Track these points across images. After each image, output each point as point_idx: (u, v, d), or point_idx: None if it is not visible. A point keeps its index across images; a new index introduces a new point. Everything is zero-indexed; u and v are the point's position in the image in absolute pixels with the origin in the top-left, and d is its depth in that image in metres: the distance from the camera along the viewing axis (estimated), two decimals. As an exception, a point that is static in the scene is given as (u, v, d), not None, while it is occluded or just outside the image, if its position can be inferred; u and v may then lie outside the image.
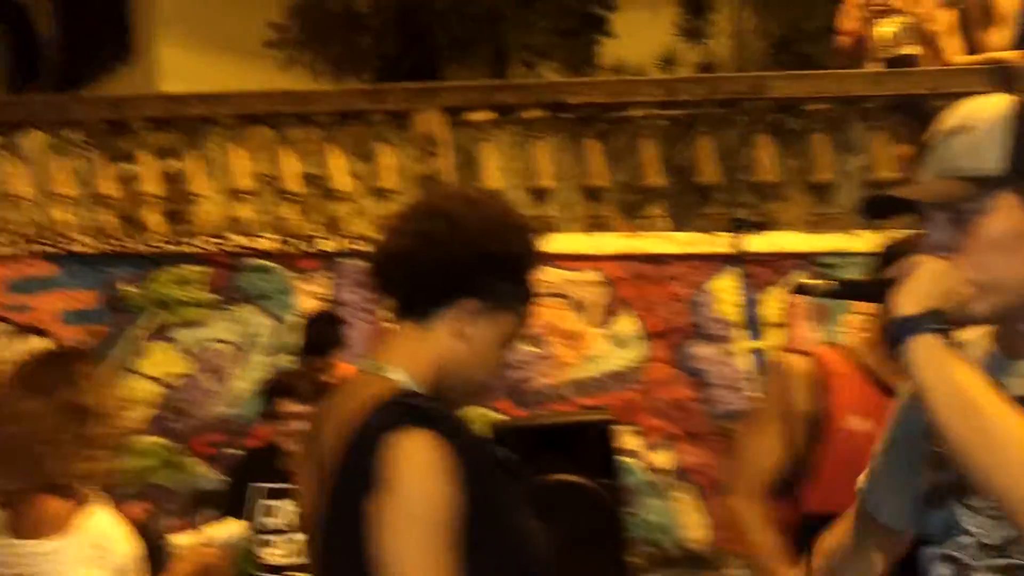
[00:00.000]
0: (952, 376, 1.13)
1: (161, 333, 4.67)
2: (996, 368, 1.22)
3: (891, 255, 1.89)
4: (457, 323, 1.47)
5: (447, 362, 1.47)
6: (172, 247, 4.72)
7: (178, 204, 5.35)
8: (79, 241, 4.76)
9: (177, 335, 4.65)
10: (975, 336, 1.28)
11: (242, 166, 5.05)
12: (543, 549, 1.46)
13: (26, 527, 2.20)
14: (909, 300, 1.16)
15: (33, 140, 5.48)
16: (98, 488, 2.27)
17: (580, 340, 4.57)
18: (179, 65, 8.99)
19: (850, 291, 1.29)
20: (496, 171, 5.03)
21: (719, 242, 4.54)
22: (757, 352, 4.50)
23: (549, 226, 4.82)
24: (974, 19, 4.94)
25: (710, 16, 9.25)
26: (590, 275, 4.61)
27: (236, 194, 5.05)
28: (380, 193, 5.02)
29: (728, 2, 9.50)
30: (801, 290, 1.25)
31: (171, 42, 9.31)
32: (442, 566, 1.34)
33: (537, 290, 1.52)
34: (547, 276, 4.62)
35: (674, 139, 5.87)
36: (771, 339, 4.50)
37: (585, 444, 3.30)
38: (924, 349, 1.15)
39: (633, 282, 4.58)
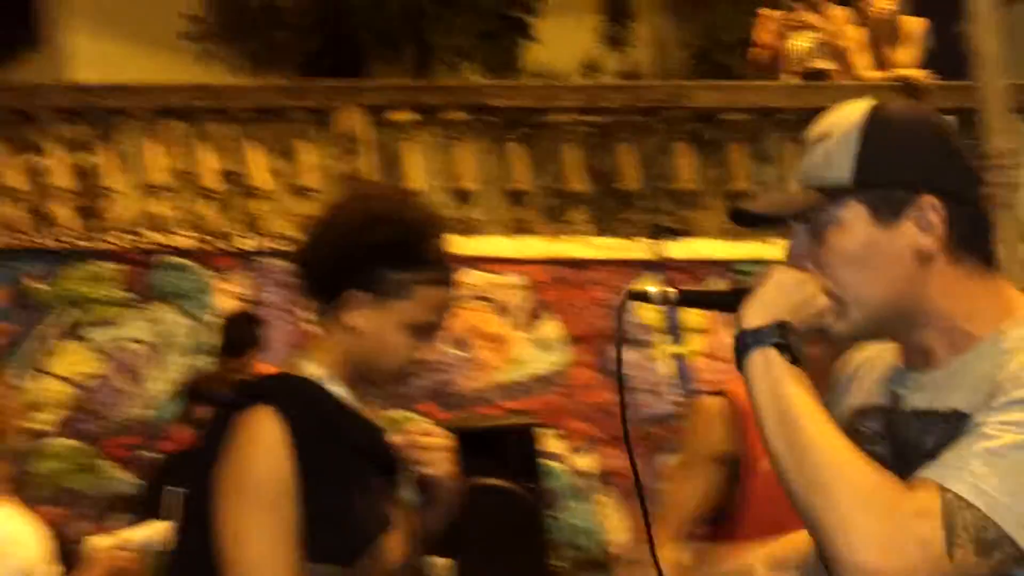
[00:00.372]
0: (783, 394, 1.08)
1: (72, 332, 4.51)
2: (897, 381, 1.20)
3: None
4: (347, 315, 1.54)
5: (351, 354, 1.55)
6: (84, 243, 4.57)
7: (90, 199, 5.18)
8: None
9: (89, 334, 4.50)
10: (880, 349, 1.26)
11: (157, 161, 4.92)
12: (368, 529, 1.52)
13: None
14: (755, 311, 1.12)
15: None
16: (3, 490, 2.22)
17: (504, 343, 4.58)
18: (89, 53, 8.70)
19: (692, 300, 1.23)
20: (419, 172, 5.00)
21: (640, 248, 4.61)
22: (678, 357, 4.57)
23: (472, 228, 4.82)
24: (882, 37, 5.12)
25: (631, 24, 9.35)
26: (513, 279, 4.62)
27: (151, 189, 4.92)
28: (300, 191, 4.95)
29: (649, 11, 9.63)
30: (636, 297, 1.17)
31: (80, 29, 9.00)
32: (271, 535, 1.43)
33: (442, 275, 1.56)
34: (470, 279, 4.62)
35: (595, 145, 5.93)
36: (692, 344, 4.58)
37: (509, 448, 3.31)
38: (761, 364, 1.10)
39: (556, 286, 4.62)
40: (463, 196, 4.92)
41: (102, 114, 4.97)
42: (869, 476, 1.02)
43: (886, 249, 1.14)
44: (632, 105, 4.96)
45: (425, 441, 1.60)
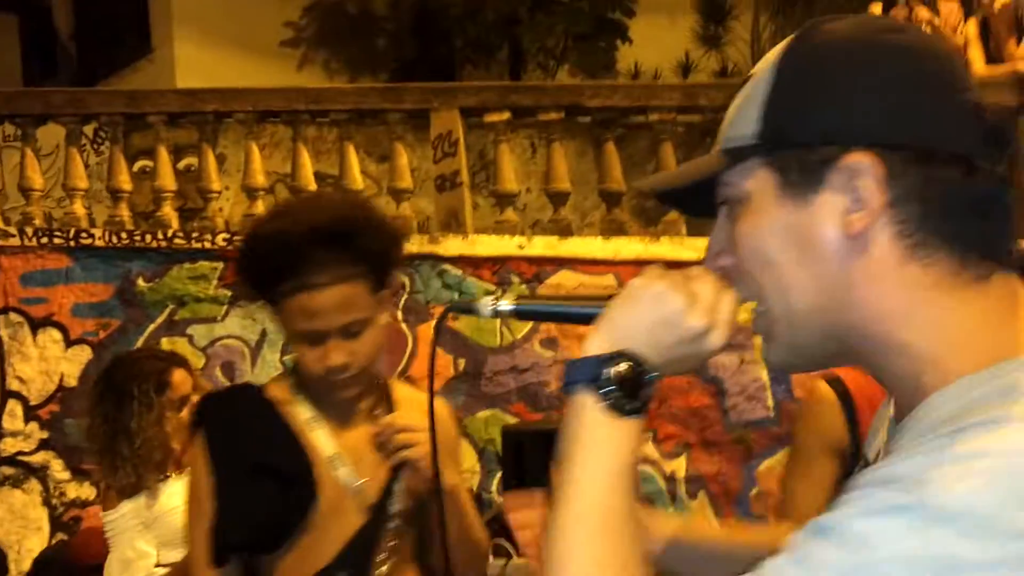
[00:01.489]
0: (581, 463, 0.79)
1: (176, 328, 4.64)
2: (892, 438, 0.80)
3: None
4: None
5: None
6: (187, 243, 4.70)
7: (194, 200, 5.34)
8: (94, 235, 4.74)
9: (191, 331, 4.63)
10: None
11: (257, 163, 5.03)
12: (233, 536, 1.64)
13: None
14: (597, 335, 0.82)
15: (50, 133, 5.48)
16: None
17: (595, 345, 4.53)
18: (195, 62, 9.00)
19: (528, 314, 0.96)
20: (512, 173, 5.00)
21: (737, 249, 4.50)
22: (774, 360, 4.45)
23: (566, 229, 4.79)
24: (1000, 30, 4.91)
25: (728, 23, 9.21)
26: (607, 280, 4.57)
27: (252, 191, 5.03)
28: (395, 193, 5.00)
29: (746, 9, 9.47)
30: (457, 309, 0.99)
31: (188, 39, 9.32)
32: (193, 524, 1.70)
33: (296, 284, 1.60)
34: (562, 279, 4.58)
35: (691, 145, 5.84)
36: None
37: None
38: (576, 412, 0.81)
39: (650, 287, 4.54)
40: (557, 197, 4.90)
41: (206, 118, 5.10)
42: None
43: (803, 233, 0.76)
44: (729, 103, 4.85)
45: (402, 424, 1.64)
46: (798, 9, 9.04)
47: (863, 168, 0.74)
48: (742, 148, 0.80)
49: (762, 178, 0.79)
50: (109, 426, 2.55)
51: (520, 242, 4.67)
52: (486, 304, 0.94)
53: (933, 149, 0.74)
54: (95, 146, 6.71)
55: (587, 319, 0.86)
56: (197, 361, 4.62)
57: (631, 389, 0.81)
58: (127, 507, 2.58)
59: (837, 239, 0.76)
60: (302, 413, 1.72)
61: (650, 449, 4.39)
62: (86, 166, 5.29)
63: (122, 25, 9.86)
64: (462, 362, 4.58)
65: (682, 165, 0.91)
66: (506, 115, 4.90)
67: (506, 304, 0.93)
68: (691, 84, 6.45)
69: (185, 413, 2.52)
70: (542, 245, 4.65)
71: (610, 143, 4.91)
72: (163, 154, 5.04)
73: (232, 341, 4.63)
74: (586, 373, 0.81)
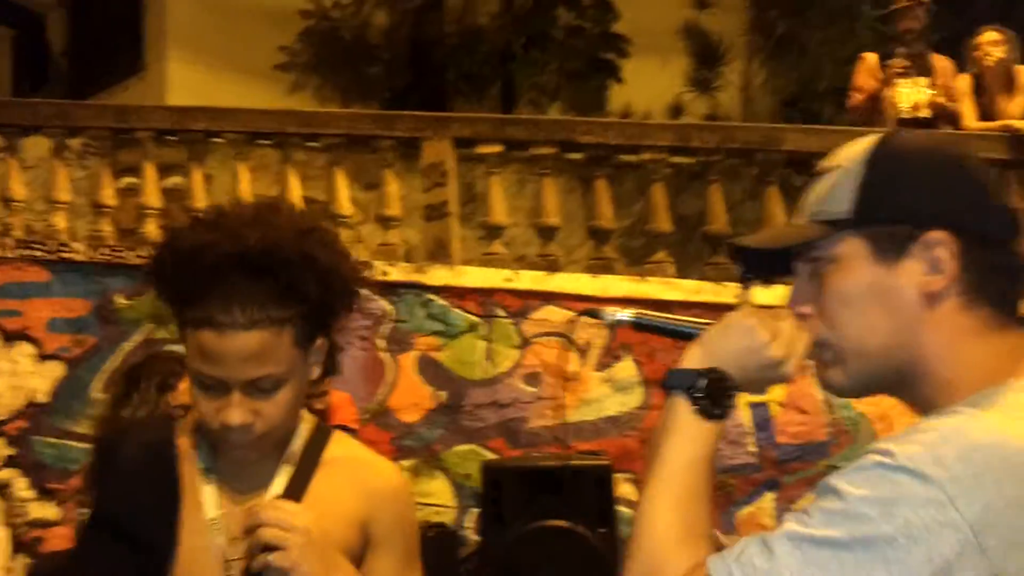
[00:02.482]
0: (666, 451, 1.03)
1: (151, 348, 4.56)
2: None
3: None
4: None
5: None
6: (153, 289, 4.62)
7: (179, 219, 5.28)
8: (75, 249, 4.67)
9: (170, 350, 4.55)
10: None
11: (245, 185, 4.98)
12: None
13: None
14: (694, 352, 1.07)
15: (36, 145, 5.42)
16: None
17: (578, 382, 4.48)
18: (188, 81, 8.97)
19: (646, 326, 1.18)
20: (502, 205, 4.97)
21: (725, 292, 4.48)
22: (758, 405, 4.42)
23: (553, 265, 4.76)
24: (993, 85, 4.95)
25: (720, 68, 9.28)
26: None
27: (238, 212, 4.97)
28: (383, 221, 4.96)
29: (738, 56, 9.55)
30: (587, 314, 1.19)
31: (181, 58, 9.30)
32: None
33: (203, 314, 1.31)
34: (548, 315, 4.54)
35: (680, 187, 5.84)
36: (772, 393, 4.43)
37: (582, 489, 3.20)
38: (668, 409, 1.06)
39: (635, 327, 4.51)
40: (546, 232, 4.87)
41: (195, 136, 5.06)
42: (660, 556, 0.99)
43: (889, 290, 1.02)
44: (723, 147, 4.86)
45: (274, 518, 1.29)
46: (790, 57, 9.13)
47: (944, 242, 1.01)
48: (838, 221, 1.04)
49: (854, 245, 1.04)
50: (111, 413, 2.49)
51: (507, 275, 4.63)
52: (612, 313, 1.17)
53: (986, 233, 1.03)
54: (81, 160, 6.65)
55: (690, 336, 1.10)
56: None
57: (717, 398, 1.04)
58: None
59: (914, 296, 1.02)
60: (199, 462, 1.43)
61: (629, 490, 4.33)
62: (71, 180, 5.22)
63: (115, 42, 9.83)
64: (443, 394, 4.52)
65: (772, 230, 1.21)
66: (499, 147, 4.88)
67: (627, 315, 1.16)
68: (685, 124, 6.46)
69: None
70: (529, 279, 4.62)
71: (602, 180, 4.90)
72: (150, 170, 4.98)
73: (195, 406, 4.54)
74: (684, 381, 1.05)
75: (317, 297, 1.33)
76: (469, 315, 4.56)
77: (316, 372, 1.41)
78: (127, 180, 5.71)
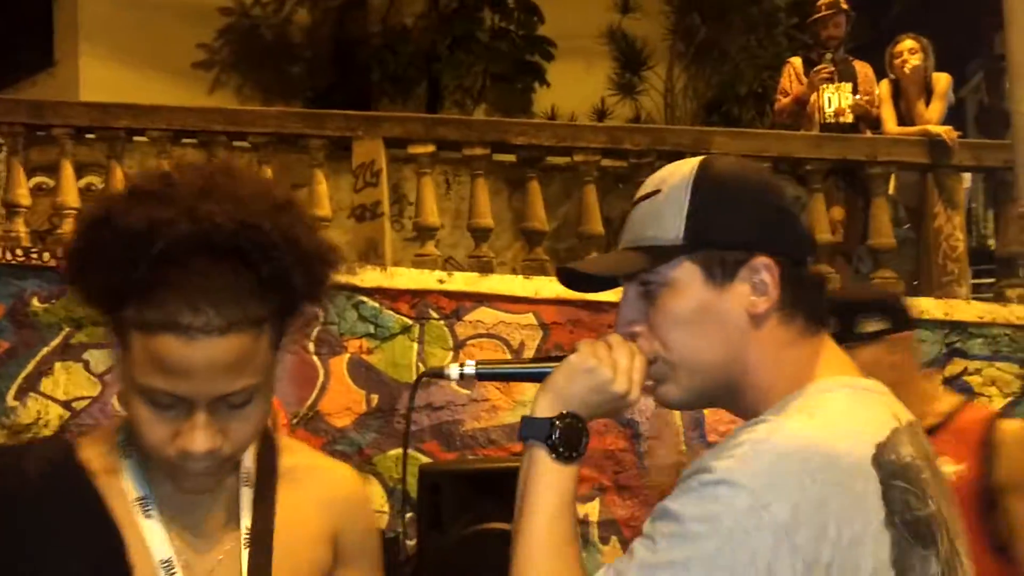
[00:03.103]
0: (530, 499, 1.08)
1: (69, 353, 4.39)
2: None
3: None
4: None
5: None
6: (72, 284, 4.46)
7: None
8: (-13, 250, 4.47)
9: (87, 356, 4.38)
10: None
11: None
12: None
13: None
14: (543, 400, 1.10)
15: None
16: None
17: (512, 383, 4.47)
18: (102, 78, 8.69)
19: (490, 375, 1.20)
20: (434, 206, 4.93)
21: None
22: (691, 405, 4.47)
23: (485, 266, 4.74)
24: (911, 91, 5.10)
25: (643, 72, 9.39)
26: (526, 318, 4.53)
27: (161, 212, 4.83)
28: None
29: (661, 60, 9.67)
30: (431, 375, 1.18)
31: (94, 53, 9.00)
32: None
33: (165, 315, 1.01)
34: (481, 316, 4.52)
35: (606, 190, 5.88)
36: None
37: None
38: (527, 459, 1.10)
39: (569, 327, 4.52)
40: (479, 233, 4.85)
41: (116, 134, 4.89)
42: None
43: (720, 311, 1.09)
44: (654, 149, 4.91)
45: None
46: (711, 62, 9.29)
47: (768, 267, 1.09)
48: (667, 248, 1.09)
49: (687, 269, 1.09)
50: None
51: (440, 276, 4.59)
52: (455, 369, 1.15)
53: (797, 255, 1.12)
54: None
55: (538, 378, 1.13)
56: (92, 388, 4.38)
57: (572, 441, 1.09)
58: None
59: (742, 316, 1.09)
60: (129, 491, 1.12)
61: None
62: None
63: (23, 35, 9.47)
64: (375, 398, 4.45)
65: (599, 257, 1.28)
66: (431, 147, 4.84)
67: (470, 368, 1.16)
68: (617, 127, 6.53)
69: None
70: (462, 280, 4.59)
71: (534, 181, 4.90)
72: (67, 169, 4.80)
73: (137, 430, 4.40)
74: (539, 431, 1.09)
75: (302, 288, 1.08)
76: (402, 317, 4.51)
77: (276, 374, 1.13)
78: (36, 179, 5.50)
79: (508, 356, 4.50)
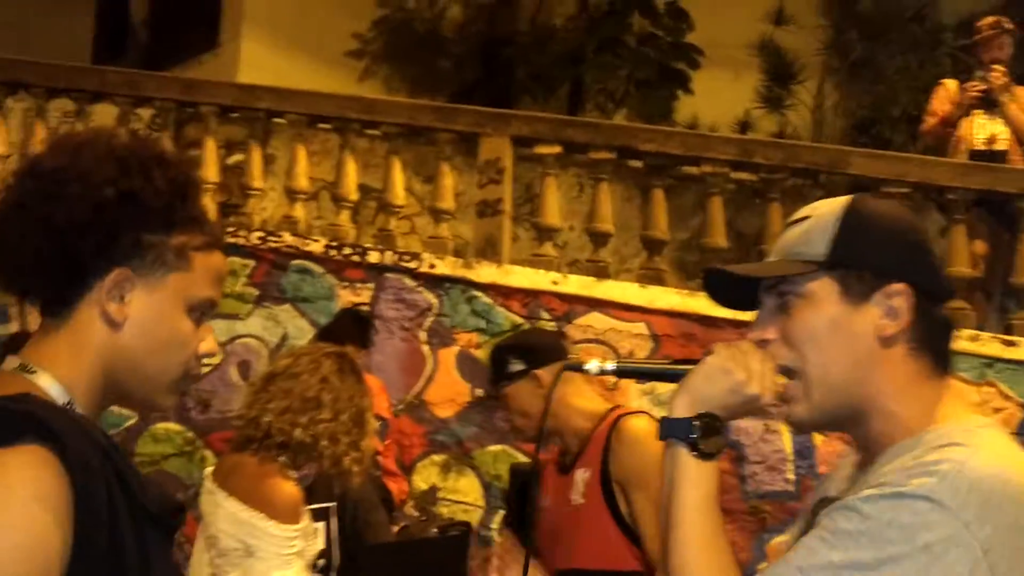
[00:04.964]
0: (676, 496, 1.15)
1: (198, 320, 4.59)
2: (855, 486, 1.16)
3: None
4: (98, 304, 1.12)
5: (105, 360, 1.12)
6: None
7: (237, 196, 5.32)
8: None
9: (214, 324, 4.58)
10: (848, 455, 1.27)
11: (302, 166, 5.00)
12: None
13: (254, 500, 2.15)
14: (681, 400, 1.17)
15: (104, 113, 5.50)
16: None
17: (617, 393, 4.41)
18: (260, 61, 9.06)
19: (629, 372, 1.30)
20: (556, 208, 4.92)
21: (776, 313, 4.38)
22: (802, 435, 4.30)
23: (602, 271, 4.70)
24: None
25: (792, 87, 9.12)
26: (638, 327, 4.46)
27: (293, 194, 4.99)
28: (436, 213, 4.93)
29: (812, 75, 9.37)
30: (571, 368, 1.27)
31: (256, 37, 9.40)
32: None
33: (216, 234, 1.20)
34: (592, 321, 4.48)
35: (740, 204, 5.73)
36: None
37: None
38: (669, 458, 1.17)
39: (681, 341, 4.43)
40: (599, 238, 4.81)
41: (257, 114, 5.09)
42: None
43: (850, 328, 1.15)
44: (787, 165, 4.75)
45: None
46: (864, 81, 8.93)
47: (903, 294, 1.15)
48: (817, 262, 1.17)
49: (825, 284, 1.16)
50: None
51: (555, 278, 4.58)
52: (595, 364, 1.24)
53: (932, 290, 1.18)
54: (151, 130, 6.75)
55: (675, 378, 1.20)
56: (214, 357, 4.57)
57: (712, 441, 1.16)
58: None
59: (871, 337, 1.15)
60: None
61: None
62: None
63: (194, 16, 9.97)
64: (480, 392, 4.48)
65: (756, 264, 1.27)
66: (557, 148, 4.83)
67: (611, 364, 1.25)
68: (749, 139, 6.35)
69: None
70: (576, 284, 4.56)
71: (659, 190, 4.82)
72: (210, 145, 5.02)
73: (252, 341, 4.57)
74: (680, 430, 1.17)
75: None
76: (513, 315, 4.52)
77: None
78: (191, 154, 5.78)
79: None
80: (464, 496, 4.44)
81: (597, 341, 4.45)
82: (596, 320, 4.47)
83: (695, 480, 1.16)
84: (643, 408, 2.49)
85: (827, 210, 1.20)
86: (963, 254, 4.49)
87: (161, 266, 1.14)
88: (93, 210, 1.10)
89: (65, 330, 1.13)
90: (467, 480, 4.43)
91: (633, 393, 4.38)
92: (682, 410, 1.17)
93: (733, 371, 1.15)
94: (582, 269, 4.81)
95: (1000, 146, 4.84)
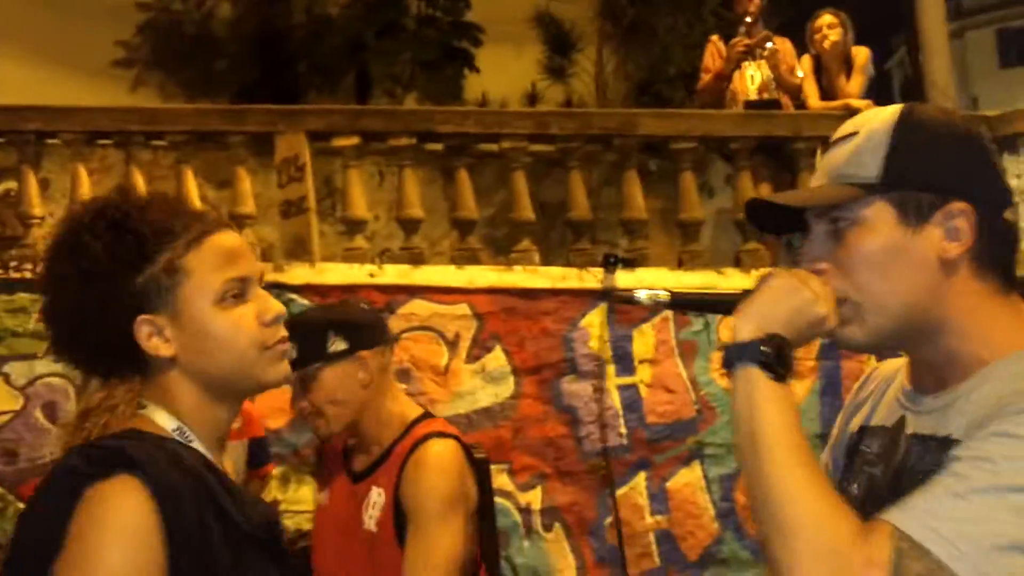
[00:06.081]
0: (758, 420, 1.03)
1: (-11, 366, 4.24)
2: (906, 402, 1.14)
3: None
4: (152, 351, 1.21)
5: (191, 382, 1.23)
6: (4, 273, 4.32)
7: (13, 228, 4.93)
8: None
9: (7, 369, 4.24)
10: (901, 364, 1.20)
11: (85, 188, 4.69)
12: None
13: None
14: (745, 322, 1.07)
15: None
16: None
17: (449, 375, 4.42)
18: (17, 80, 8.41)
19: (685, 303, 1.20)
20: (362, 199, 4.85)
21: (589, 278, 4.51)
22: (627, 388, 4.47)
23: (417, 257, 4.68)
24: (831, 66, 5.14)
25: (573, 56, 9.38)
26: (459, 308, 4.48)
27: (79, 217, 4.68)
28: (237, 219, 4.76)
29: (590, 43, 9.67)
30: (622, 300, 1.16)
31: (8, 55, 8.72)
32: None
33: (204, 224, 1.24)
34: (415, 309, 4.46)
35: (541, 175, 5.85)
36: (641, 374, 4.48)
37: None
38: (743, 383, 1.05)
39: (503, 317, 4.48)
40: (409, 224, 4.78)
41: (27, 137, 4.73)
42: (825, 522, 0.97)
43: (910, 253, 1.07)
44: (581, 133, 4.88)
45: None
46: (640, 44, 9.30)
47: (964, 213, 1.07)
48: (869, 185, 1.08)
49: (881, 208, 1.08)
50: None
51: (371, 270, 4.52)
52: (643, 293, 1.14)
53: (995, 204, 1.09)
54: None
55: (730, 308, 1.09)
56: (13, 402, 4.24)
57: (785, 362, 1.05)
58: None
59: (933, 260, 1.07)
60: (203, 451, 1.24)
61: (504, 481, 4.31)
62: None
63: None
64: (310, 396, 4.38)
65: (802, 191, 1.21)
66: (355, 139, 4.76)
67: (664, 293, 1.14)
68: (542, 112, 6.47)
69: None
70: (394, 273, 4.53)
71: (463, 170, 4.84)
72: (-23, 176, 4.63)
73: (54, 379, 4.26)
74: (750, 353, 1.05)
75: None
76: (333, 313, 4.43)
77: None
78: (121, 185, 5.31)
79: (443, 348, 4.45)
80: (306, 505, 4.33)
81: (422, 328, 4.44)
82: (418, 307, 4.46)
83: (779, 401, 1.03)
84: (446, 425, 2.12)
85: (877, 125, 1.10)
86: (747, 199, 4.77)
87: (166, 292, 1.20)
88: (88, 301, 1.19)
89: (147, 377, 1.24)
90: (308, 488, 4.32)
91: (465, 376, 4.41)
92: (748, 332, 1.05)
93: (800, 289, 1.06)
94: (396, 258, 4.77)
95: (771, 95, 5.16)
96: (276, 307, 1.24)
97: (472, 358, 4.46)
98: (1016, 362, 1.04)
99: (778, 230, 1.19)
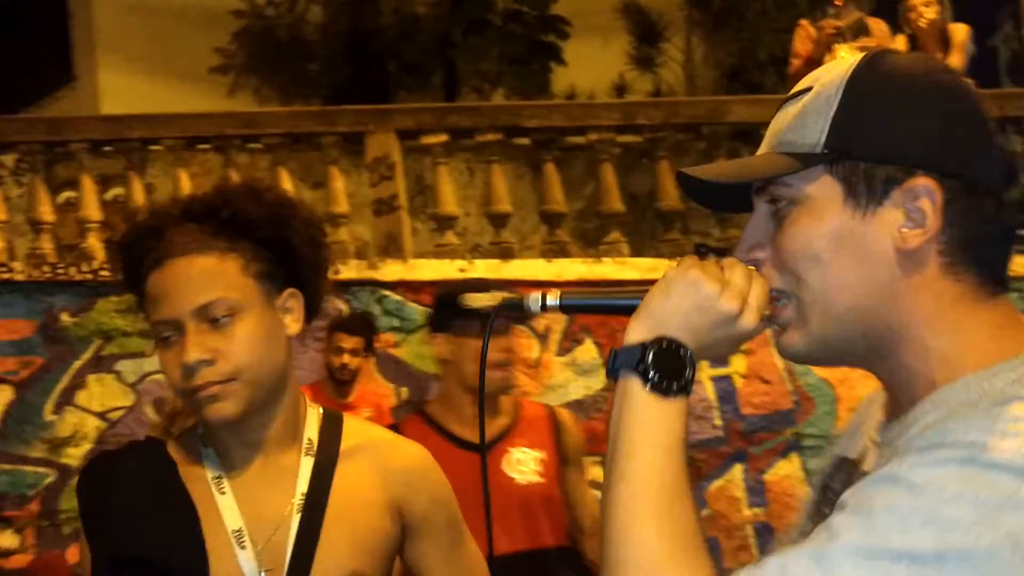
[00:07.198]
0: (625, 440, 0.84)
1: (102, 365, 4.44)
2: (871, 435, 0.91)
3: None
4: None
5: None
6: (114, 275, 4.52)
7: (121, 231, 5.14)
8: (15, 268, 4.53)
9: (119, 367, 4.43)
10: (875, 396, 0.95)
11: (187, 191, 4.86)
12: None
13: None
14: (638, 323, 0.87)
15: (-34, 164, 5.25)
16: None
17: (541, 369, 4.45)
18: (121, 90, 8.77)
19: (574, 307, 0.97)
20: (451, 196, 4.91)
21: (680, 268, 4.47)
22: (720, 379, 4.42)
23: (507, 252, 4.72)
24: (928, 45, 4.98)
25: (661, 45, 9.30)
26: (550, 302, 4.49)
27: (182, 220, 4.85)
28: (331, 218, 4.87)
29: (678, 31, 9.57)
30: (509, 307, 0.97)
31: (113, 66, 9.09)
32: None
33: (123, 264, 1.29)
34: (506, 303, 4.50)
35: (629, 166, 5.82)
36: (734, 365, 4.43)
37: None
38: (618, 394, 0.87)
39: (594, 309, 4.48)
40: (498, 219, 4.82)
41: (133, 145, 4.93)
42: (650, 572, 0.80)
43: (859, 241, 0.83)
44: (669, 123, 4.84)
45: None
46: (729, 30, 9.17)
47: (929, 191, 0.82)
48: (809, 155, 0.85)
49: (826, 184, 0.84)
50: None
51: (461, 265, 4.58)
52: (535, 300, 0.95)
53: (978, 182, 0.83)
54: (16, 177, 6.46)
55: (628, 310, 0.90)
56: (126, 398, 4.43)
57: (673, 371, 0.85)
58: None
59: (891, 251, 0.83)
60: (207, 473, 1.28)
61: (598, 473, 4.31)
62: (7, 199, 5.06)
63: (41, 53, 9.58)
64: (405, 390, 4.46)
65: (732, 161, 0.93)
66: (444, 137, 4.82)
67: (552, 299, 0.94)
68: (629, 103, 6.44)
69: None
70: (484, 268, 4.57)
71: (550, 164, 4.86)
72: (87, 183, 4.84)
73: (162, 376, 4.44)
74: (631, 359, 0.86)
75: (267, 229, 1.25)
76: (425, 308, 4.50)
77: (294, 327, 1.28)
78: (65, 194, 5.56)
79: (534, 341, 4.48)
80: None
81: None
82: (509, 301, 4.49)
83: (655, 423, 0.84)
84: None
85: (830, 79, 0.85)
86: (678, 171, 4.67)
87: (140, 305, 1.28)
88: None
89: None
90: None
91: (556, 369, 4.43)
92: (636, 334, 0.86)
93: (700, 282, 0.85)
94: (486, 253, 4.82)
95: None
96: (188, 355, 1.19)
97: (563, 351, 4.48)
98: (961, 390, 0.80)
99: (724, 207, 0.94)
